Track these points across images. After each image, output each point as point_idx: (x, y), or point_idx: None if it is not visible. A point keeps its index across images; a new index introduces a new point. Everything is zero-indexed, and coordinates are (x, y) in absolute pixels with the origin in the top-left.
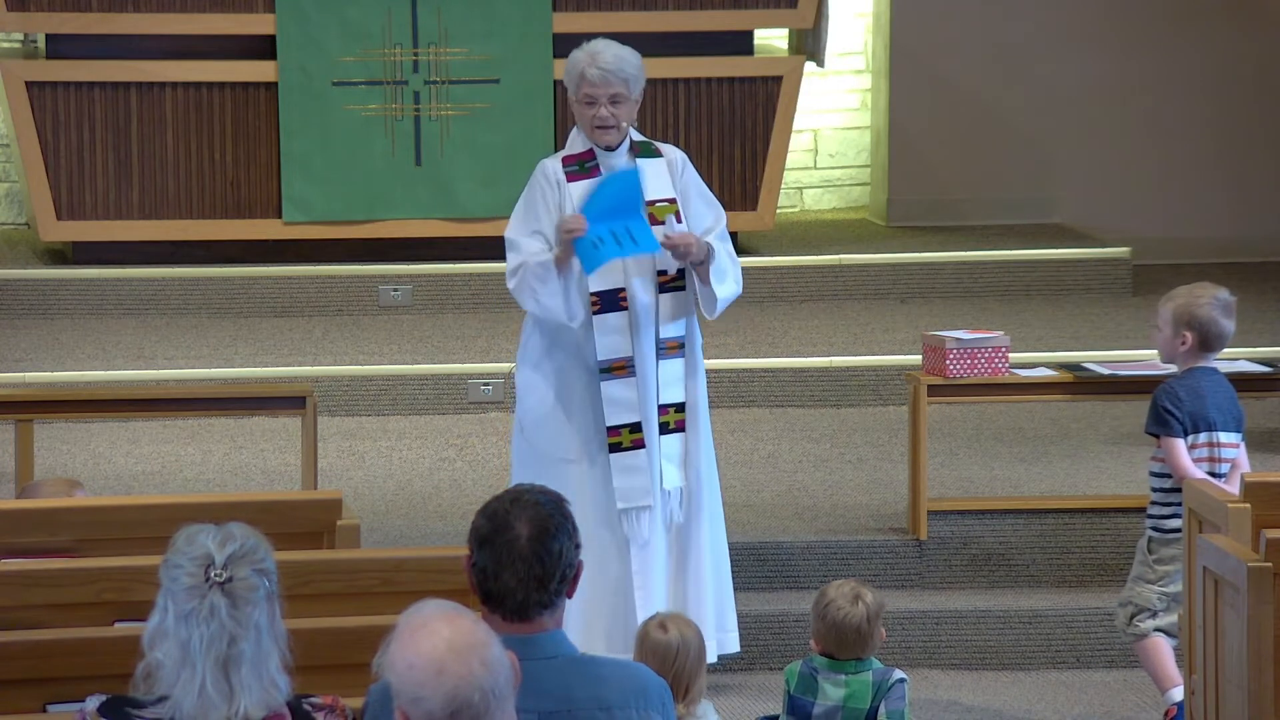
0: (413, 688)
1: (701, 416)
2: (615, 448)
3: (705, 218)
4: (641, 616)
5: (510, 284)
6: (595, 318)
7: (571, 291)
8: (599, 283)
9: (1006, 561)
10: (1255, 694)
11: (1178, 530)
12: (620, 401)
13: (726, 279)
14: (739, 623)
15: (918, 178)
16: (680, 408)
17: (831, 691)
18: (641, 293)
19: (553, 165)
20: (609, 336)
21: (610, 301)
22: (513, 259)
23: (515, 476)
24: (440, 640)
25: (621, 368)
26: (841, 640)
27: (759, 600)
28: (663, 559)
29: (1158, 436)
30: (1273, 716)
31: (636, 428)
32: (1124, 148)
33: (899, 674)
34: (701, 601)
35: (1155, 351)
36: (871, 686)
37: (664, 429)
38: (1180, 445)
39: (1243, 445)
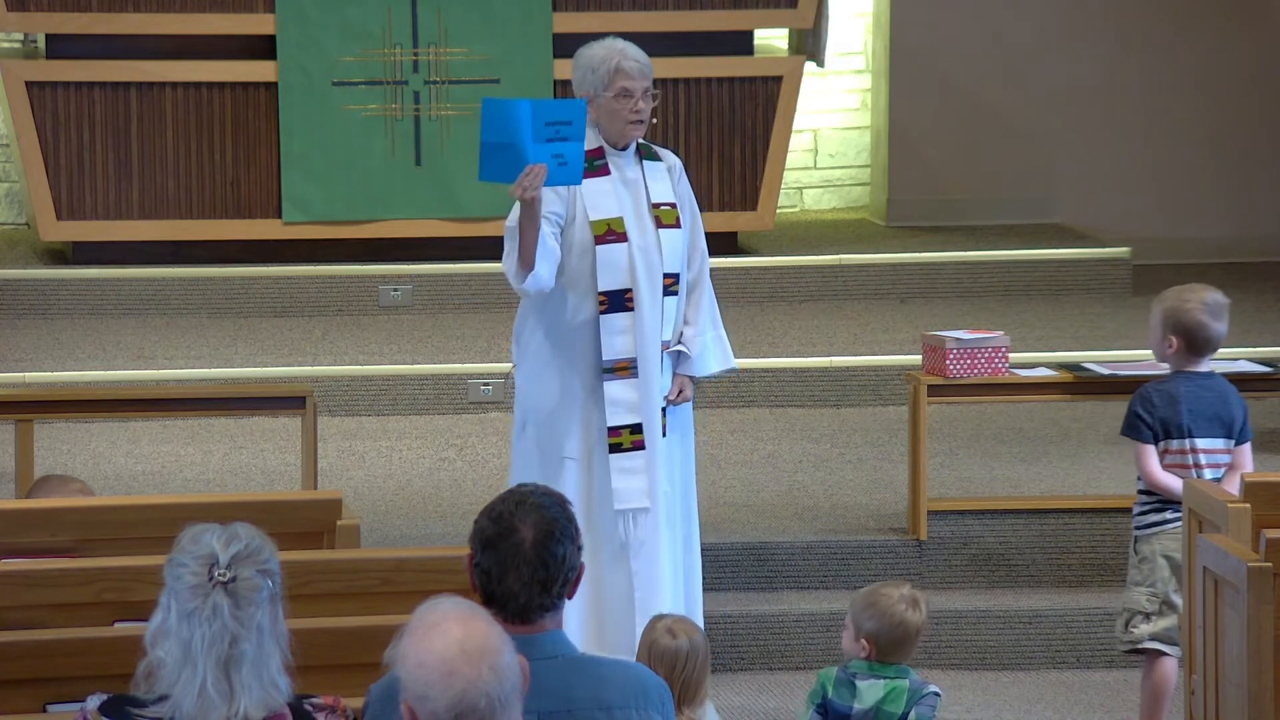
0: (420, 686)
1: (691, 421)
2: (615, 448)
3: (697, 238)
4: (640, 617)
5: (505, 266)
6: (602, 317)
7: (526, 252)
8: (607, 282)
9: (1006, 561)
10: (1255, 694)
11: (1153, 525)
12: (622, 402)
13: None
14: (737, 623)
15: (918, 178)
16: None
17: (869, 695)
18: (648, 294)
19: None
20: (614, 337)
21: (617, 301)
22: (510, 244)
23: (516, 476)
24: (452, 641)
25: (625, 368)
26: (899, 642)
27: (759, 600)
28: (663, 559)
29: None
30: (1273, 716)
31: (637, 429)
32: (1124, 148)
33: (934, 687)
34: (694, 603)
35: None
36: (908, 693)
37: (664, 432)
38: (1149, 450)
39: (1245, 448)
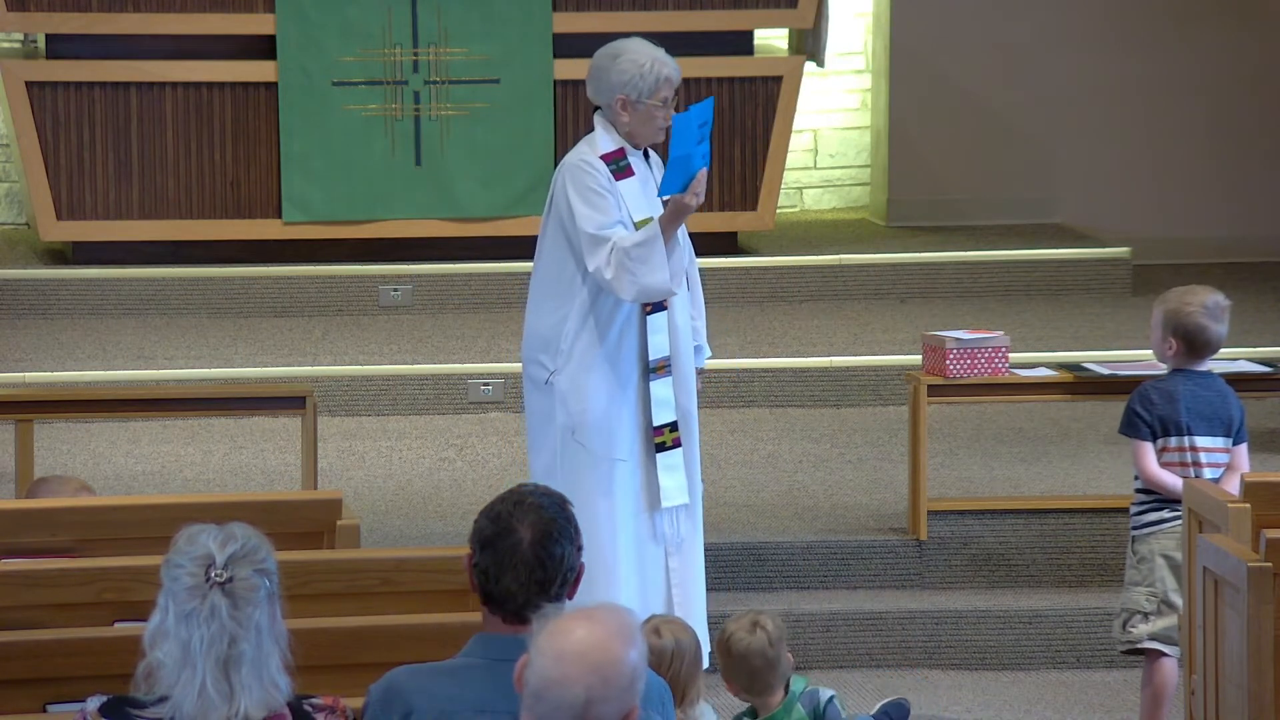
0: (536, 649)
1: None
2: (660, 447)
3: (684, 232)
4: (679, 614)
5: (607, 275)
6: (649, 317)
7: (671, 259)
8: None
9: (1006, 561)
10: (1255, 694)
11: (1150, 524)
12: (665, 400)
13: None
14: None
15: (918, 178)
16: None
17: None
18: (679, 292)
19: (599, 163)
20: (657, 335)
21: (658, 300)
22: (603, 251)
23: (562, 483)
24: (582, 639)
25: (663, 367)
26: (752, 671)
27: (759, 600)
28: (698, 556)
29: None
30: (1273, 716)
31: (675, 426)
32: (1124, 148)
33: (827, 691)
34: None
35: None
36: (809, 714)
37: None
38: (1146, 448)
39: (1242, 449)
